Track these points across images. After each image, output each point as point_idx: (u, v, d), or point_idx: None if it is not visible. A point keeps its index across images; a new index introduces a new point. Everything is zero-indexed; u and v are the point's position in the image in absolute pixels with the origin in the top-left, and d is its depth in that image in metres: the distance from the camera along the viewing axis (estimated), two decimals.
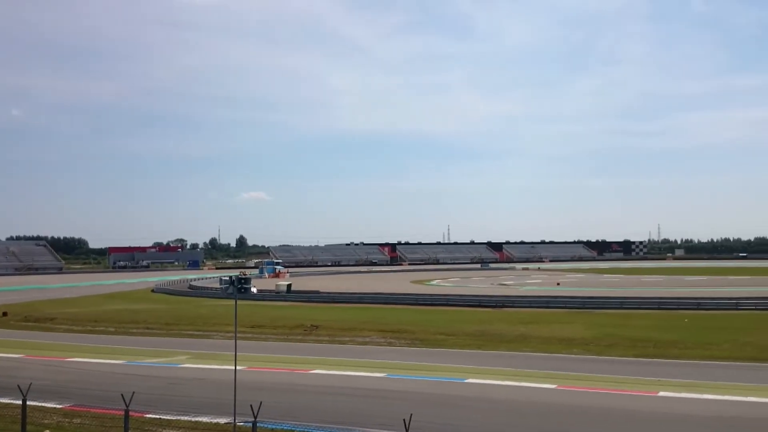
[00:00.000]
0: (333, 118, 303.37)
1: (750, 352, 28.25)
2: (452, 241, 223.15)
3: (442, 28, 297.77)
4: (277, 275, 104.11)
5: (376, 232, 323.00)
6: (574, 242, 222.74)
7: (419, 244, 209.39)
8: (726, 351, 28.82)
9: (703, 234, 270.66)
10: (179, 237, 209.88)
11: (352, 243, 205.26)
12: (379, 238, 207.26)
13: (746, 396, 19.98)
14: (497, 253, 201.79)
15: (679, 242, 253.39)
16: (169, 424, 17.31)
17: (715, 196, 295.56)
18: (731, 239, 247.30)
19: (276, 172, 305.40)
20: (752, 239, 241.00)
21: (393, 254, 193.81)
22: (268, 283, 78.37)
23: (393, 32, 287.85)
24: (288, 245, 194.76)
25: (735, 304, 47.39)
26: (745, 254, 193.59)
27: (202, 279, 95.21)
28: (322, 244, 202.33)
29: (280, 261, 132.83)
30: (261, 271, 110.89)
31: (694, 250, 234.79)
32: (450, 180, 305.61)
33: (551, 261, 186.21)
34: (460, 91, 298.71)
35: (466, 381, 23.11)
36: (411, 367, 26.15)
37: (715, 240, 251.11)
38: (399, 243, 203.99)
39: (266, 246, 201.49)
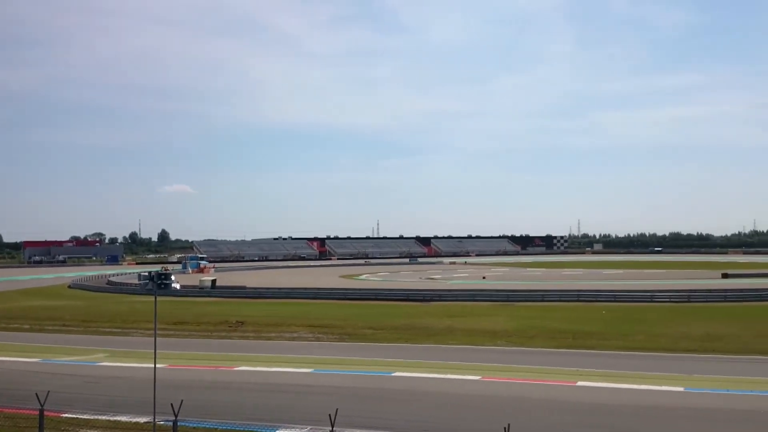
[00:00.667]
0: (260, 109, 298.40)
1: (664, 343, 29.54)
2: (381, 236, 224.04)
3: (372, 22, 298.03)
4: (201, 270, 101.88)
5: (305, 227, 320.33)
6: (500, 237, 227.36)
7: (348, 238, 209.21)
8: (641, 342, 30.05)
9: (620, 229, 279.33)
10: (97, 231, 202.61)
11: (280, 237, 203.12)
12: (307, 232, 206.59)
13: (660, 385, 20.85)
14: (426, 248, 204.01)
15: (597, 237, 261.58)
16: (86, 423, 16.75)
17: (632, 193, 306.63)
18: (647, 234, 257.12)
19: (201, 165, 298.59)
20: (667, 234, 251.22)
21: (322, 249, 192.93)
22: (191, 279, 76.76)
23: (323, 24, 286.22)
24: (213, 240, 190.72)
25: (650, 296, 49.47)
26: (660, 249, 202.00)
27: (122, 275, 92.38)
28: (249, 239, 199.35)
29: (205, 256, 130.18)
30: (184, 267, 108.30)
31: (611, 244, 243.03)
32: (379, 174, 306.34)
33: (477, 255, 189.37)
34: (389, 85, 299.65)
35: (393, 374, 23.25)
36: (338, 361, 26.13)
37: (631, 235, 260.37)
38: (328, 237, 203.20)
39: (190, 240, 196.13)
